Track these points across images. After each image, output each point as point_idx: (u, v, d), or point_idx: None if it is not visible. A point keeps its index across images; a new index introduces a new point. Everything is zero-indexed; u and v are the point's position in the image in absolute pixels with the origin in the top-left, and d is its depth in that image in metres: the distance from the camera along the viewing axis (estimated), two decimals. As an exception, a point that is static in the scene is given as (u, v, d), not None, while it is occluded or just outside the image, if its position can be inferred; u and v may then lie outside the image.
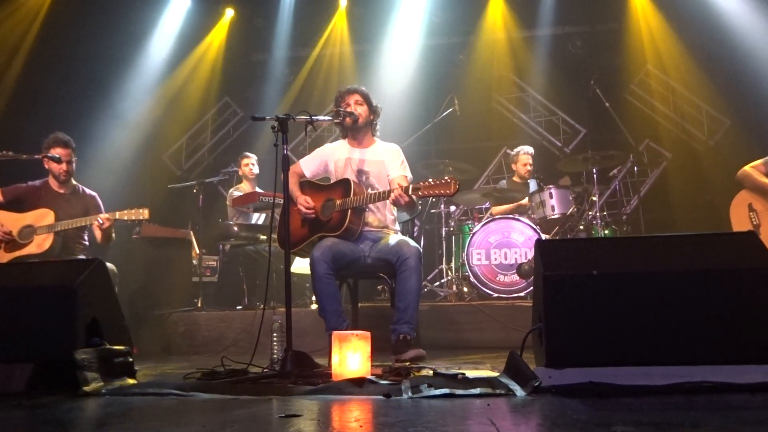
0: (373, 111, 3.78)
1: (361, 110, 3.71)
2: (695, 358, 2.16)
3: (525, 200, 5.93)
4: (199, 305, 5.31)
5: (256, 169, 6.15)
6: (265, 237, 5.47)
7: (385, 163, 3.75)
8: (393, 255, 3.40)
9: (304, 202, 3.60)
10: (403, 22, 7.74)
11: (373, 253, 3.58)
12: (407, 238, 3.56)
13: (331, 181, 3.79)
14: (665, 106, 7.67)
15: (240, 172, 6.16)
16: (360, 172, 3.74)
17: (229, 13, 8.00)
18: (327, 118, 3.45)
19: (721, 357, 2.15)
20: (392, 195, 3.30)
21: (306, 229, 3.63)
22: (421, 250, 3.46)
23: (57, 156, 4.25)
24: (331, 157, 3.80)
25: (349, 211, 3.46)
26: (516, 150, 6.27)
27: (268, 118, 3.03)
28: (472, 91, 7.72)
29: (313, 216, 3.59)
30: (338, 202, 3.53)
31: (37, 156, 4.21)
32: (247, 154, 6.19)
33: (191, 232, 6.02)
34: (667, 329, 2.21)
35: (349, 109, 3.66)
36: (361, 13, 7.94)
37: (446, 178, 3.12)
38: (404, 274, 3.33)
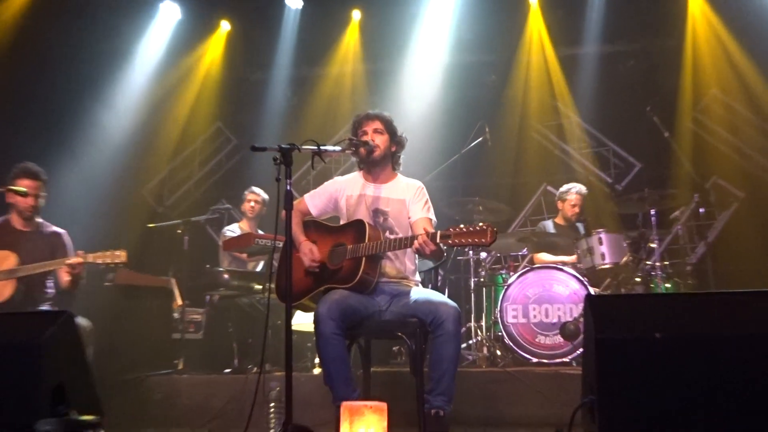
0: (396, 142, 3.83)
1: (380, 140, 3.75)
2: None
3: (575, 257, 5.91)
4: (181, 367, 5.28)
5: (261, 210, 6.15)
6: (261, 287, 5.49)
7: (407, 202, 3.78)
8: (426, 315, 3.38)
9: (309, 253, 3.62)
10: (426, 37, 7.88)
11: (394, 309, 3.58)
12: (442, 296, 3.56)
13: (342, 222, 3.81)
14: (736, 137, 7.66)
15: (241, 208, 6.19)
16: (376, 212, 3.76)
17: (225, 26, 8.12)
18: (338, 148, 3.48)
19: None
20: (416, 242, 3.29)
21: (310, 279, 3.63)
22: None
23: (23, 189, 4.31)
24: (342, 193, 3.84)
25: (363, 259, 3.47)
26: (566, 188, 6.30)
27: (269, 147, 3.07)
28: (507, 117, 7.81)
29: (318, 269, 3.61)
30: (350, 247, 3.54)
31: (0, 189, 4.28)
32: (255, 189, 6.19)
33: (173, 280, 6.05)
34: (745, 402, 2.17)
35: (365, 138, 3.72)
36: (376, 26, 8.03)
37: (481, 224, 3.13)
38: (441, 338, 3.29)
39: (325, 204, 3.87)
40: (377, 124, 3.75)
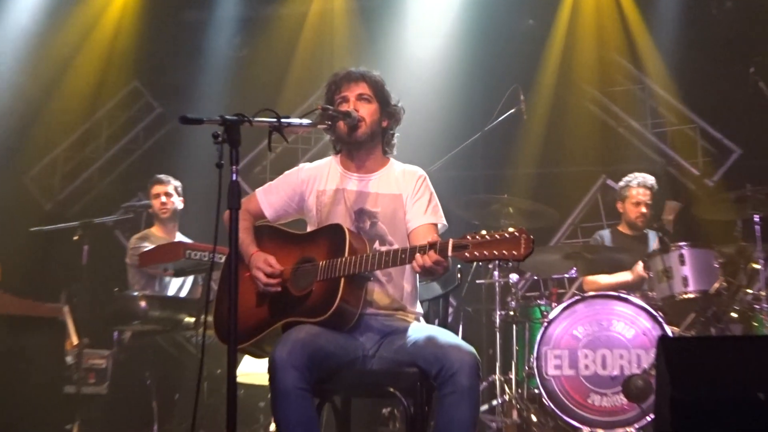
0: (389, 114, 3.84)
1: (367, 111, 3.75)
2: None
3: (640, 267, 5.95)
4: (76, 434, 5.28)
5: (176, 204, 6.25)
6: (193, 320, 5.50)
7: (403, 199, 3.79)
8: (431, 363, 3.38)
9: (264, 265, 3.62)
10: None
11: (385, 353, 3.59)
12: (454, 336, 3.56)
13: (310, 228, 3.82)
14: None
15: (151, 209, 6.25)
16: (361, 214, 3.77)
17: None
18: (307, 121, 3.49)
19: None
20: (417, 257, 3.31)
21: (265, 309, 3.64)
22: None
23: None
24: (311, 186, 3.85)
25: (342, 281, 3.47)
26: (625, 181, 6.33)
27: (208, 119, 3.08)
28: (550, 80, 7.86)
29: (279, 288, 3.63)
30: (322, 264, 3.54)
31: None
32: (160, 177, 6.28)
33: (66, 308, 6.03)
34: None
35: (345, 107, 3.72)
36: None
37: (512, 230, 3.14)
38: (452, 398, 3.30)
39: (286, 202, 3.87)
40: (362, 88, 3.75)
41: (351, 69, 3.81)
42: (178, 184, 6.29)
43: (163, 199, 6.19)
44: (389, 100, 3.82)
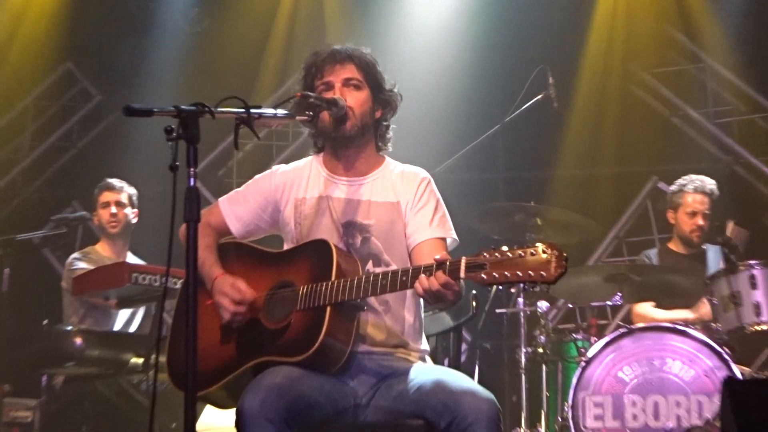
0: (383, 101, 3.86)
1: (356, 99, 3.76)
2: None
3: (707, 307, 5.92)
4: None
5: (129, 216, 6.27)
6: (141, 361, 5.50)
7: (403, 208, 3.81)
8: (440, 413, 3.38)
9: (231, 290, 3.62)
10: None
11: (382, 401, 3.58)
12: (469, 379, 3.55)
13: (287, 246, 3.84)
14: None
15: (95, 220, 6.28)
16: (350, 228, 3.78)
17: None
18: (282, 112, 3.49)
19: None
20: (421, 280, 3.30)
21: (232, 347, 3.65)
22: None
23: None
24: (287, 194, 3.87)
25: (328, 310, 3.47)
26: (678, 185, 6.37)
27: (159, 109, 3.08)
28: (587, 58, 7.90)
29: (247, 319, 3.63)
30: (303, 290, 3.55)
31: None
32: (112, 183, 6.31)
33: (-18, 347, 6.02)
34: None
35: (329, 94, 3.73)
36: None
37: (540, 245, 3.12)
38: None
39: (257, 214, 3.89)
40: (350, 71, 3.77)
41: (335, 47, 3.82)
42: (133, 192, 6.32)
43: (114, 209, 6.21)
44: (383, 85, 3.84)
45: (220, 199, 3.95)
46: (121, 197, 6.24)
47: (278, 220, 3.88)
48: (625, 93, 8.20)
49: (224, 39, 8.41)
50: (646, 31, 8.14)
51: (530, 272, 3.11)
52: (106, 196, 6.25)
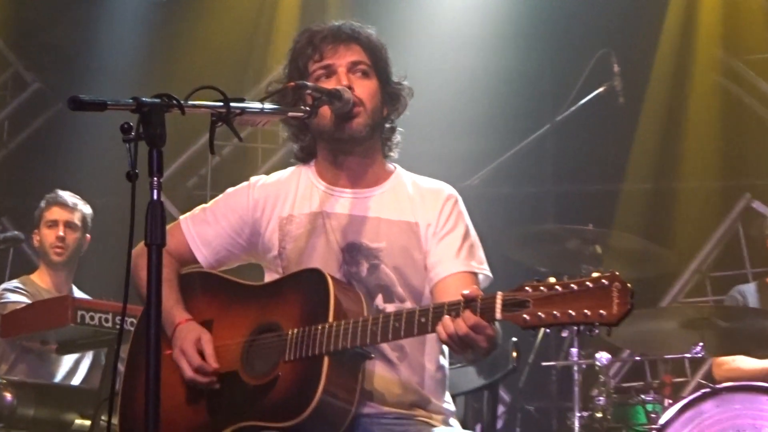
0: (391, 96, 3.90)
1: (366, 89, 3.80)
2: None
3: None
4: None
5: (80, 242, 6.35)
6: (87, 423, 5.51)
7: (422, 232, 3.84)
8: None
9: (192, 350, 3.63)
10: None
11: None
12: None
13: (268, 277, 3.90)
14: None
15: (36, 241, 6.37)
16: (354, 253, 3.81)
17: None
18: (270, 106, 3.54)
19: None
20: (445, 321, 3.27)
21: (202, 409, 3.69)
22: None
23: None
24: (270, 212, 3.91)
25: (326, 361, 3.49)
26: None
27: (113, 102, 3.12)
28: (663, 42, 7.95)
29: (212, 379, 3.65)
30: (293, 334, 3.57)
31: None
32: (64, 197, 6.38)
33: None
34: None
35: (330, 83, 3.75)
36: None
37: (597, 275, 3.10)
38: None
39: (229, 237, 3.93)
40: (356, 53, 3.82)
41: (335, 23, 3.87)
42: (88, 212, 6.40)
43: (61, 232, 6.27)
44: (390, 76, 3.90)
45: (182, 218, 4.00)
46: (74, 218, 6.31)
47: (257, 245, 3.91)
48: (709, 85, 8.22)
49: (198, 14, 8.49)
50: (737, 8, 8.16)
51: (586, 311, 3.06)
52: (55, 213, 6.32)
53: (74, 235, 6.30)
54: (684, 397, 5.64)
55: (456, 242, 3.81)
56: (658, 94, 7.81)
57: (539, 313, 3.11)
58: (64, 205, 6.32)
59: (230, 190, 4.01)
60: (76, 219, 6.33)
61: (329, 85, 3.74)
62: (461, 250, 3.80)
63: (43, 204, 6.39)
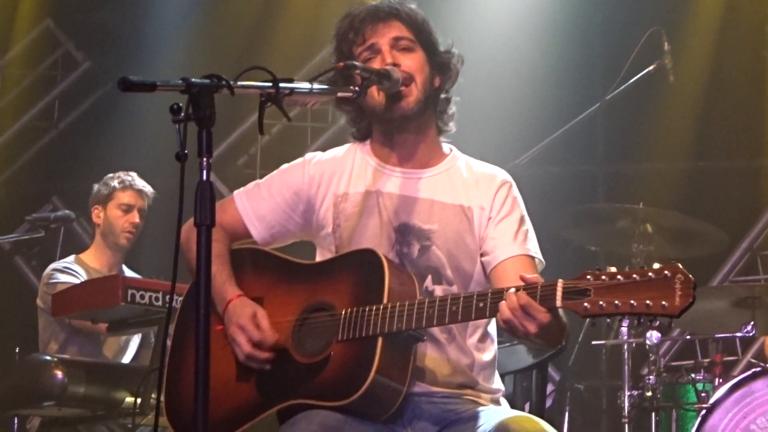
0: (440, 66, 3.85)
1: (414, 63, 3.76)
2: None
3: None
4: None
5: (132, 216, 6.28)
6: (138, 400, 5.47)
7: (475, 216, 3.81)
8: None
9: (250, 325, 3.62)
10: None
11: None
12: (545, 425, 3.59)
13: (321, 256, 3.87)
14: None
15: (95, 218, 6.31)
16: (406, 234, 3.79)
17: None
18: (320, 87, 3.50)
19: None
20: (503, 308, 3.26)
21: (251, 386, 3.67)
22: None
23: None
24: (325, 189, 3.88)
25: (379, 342, 3.49)
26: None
27: (163, 83, 3.09)
28: (711, 18, 7.87)
29: (270, 354, 3.64)
30: (346, 314, 3.56)
31: None
32: (138, 183, 6.34)
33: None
34: None
35: (377, 63, 3.73)
36: None
37: (658, 266, 3.05)
38: None
39: (285, 213, 3.90)
40: (398, 29, 3.77)
41: (373, 3, 3.83)
42: (150, 190, 6.36)
43: (137, 219, 6.24)
44: (437, 46, 3.84)
45: (236, 192, 3.95)
46: (145, 204, 6.28)
47: (311, 222, 3.87)
48: (759, 63, 8.13)
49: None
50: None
51: (648, 302, 3.03)
52: (131, 198, 6.27)
53: (142, 222, 6.27)
54: (735, 377, 5.62)
55: (513, 226, 3.78)
56: (709, 72, 7.75)
57: (600, 302, 3.09)
58: (140, 191, 6.29)
59: (285, 165, 3.98)
60: (146, 206, 6.31)
61: (376, 65, 3.72)
62: (518, 234, 3.77)
63: (116, 184, 6.29)
